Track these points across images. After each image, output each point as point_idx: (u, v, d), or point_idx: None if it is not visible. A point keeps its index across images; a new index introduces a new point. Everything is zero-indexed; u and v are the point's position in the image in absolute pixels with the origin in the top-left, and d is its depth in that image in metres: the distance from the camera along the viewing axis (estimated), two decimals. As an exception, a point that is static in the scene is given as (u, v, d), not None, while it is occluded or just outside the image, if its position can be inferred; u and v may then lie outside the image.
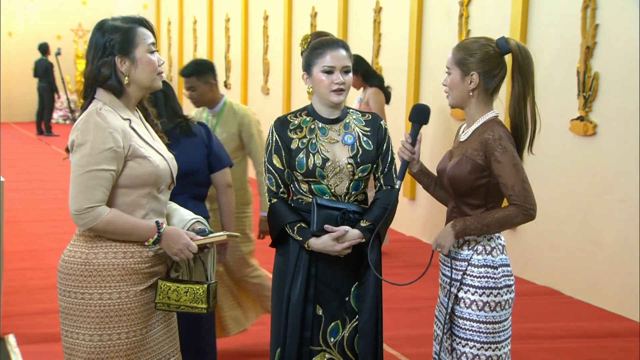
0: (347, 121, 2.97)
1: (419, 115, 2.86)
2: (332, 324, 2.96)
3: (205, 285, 2.65)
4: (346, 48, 2.93)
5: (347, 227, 2.86)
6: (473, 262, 2.72)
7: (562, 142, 5.66)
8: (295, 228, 2.89)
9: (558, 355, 4.53)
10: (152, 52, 2.63)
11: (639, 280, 5.08)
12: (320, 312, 2.96)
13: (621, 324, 5.09)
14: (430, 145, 7.07)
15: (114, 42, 2.58)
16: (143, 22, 2.66)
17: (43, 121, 15.80)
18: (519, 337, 4.46)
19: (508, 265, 2.78)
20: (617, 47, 5.27)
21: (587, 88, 5.46)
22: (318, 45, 2.92)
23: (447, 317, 2.75)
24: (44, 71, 15.52)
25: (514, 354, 2.98)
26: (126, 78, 2.60)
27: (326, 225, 2.84)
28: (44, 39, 16.74)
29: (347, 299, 2.98)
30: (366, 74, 6.63)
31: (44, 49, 15.68)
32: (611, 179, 5.35)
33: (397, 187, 2.83)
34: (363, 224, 2.89)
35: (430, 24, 7.19)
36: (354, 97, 6.84)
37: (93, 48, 2.62)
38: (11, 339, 4.53)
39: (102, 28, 2.62)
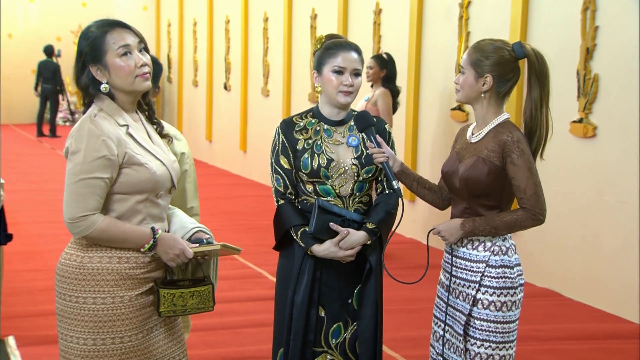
0: (352, 124, 2.98)
1: (363, 121, 2.91)
2: (334, 325, 2.97)
3: (210, 285, 2.67)
4: (359, 52, 2.95)
5: (350, 229, 2.86)
6: (491, 263, 2.73)
7: (562, 144, 5.66)
8: (299, 233, 2.90)
9: (558, 357, 4.54)
10: (123, 55, 2.56)
11: (639, 282, 5.08)
12: (322, 314, 2.96)
13: (621, 325, 5.09)
14: (431, 146, 7.07)
15: (85, 50, 2.57)
16: (116, 25, 2.59)
17: (47, 123, 15.76)
18: (518, 339, 4.43)
19: (520, 264, 2.81)
20: (617, 48, 5.27)
21: (587, 90, 5.46)
22: (331, 45, 2.94)
23: (465, 319, 2.76)
24: (51, 73, 15.47)
25: (514, 356, 2.99)
26: (105, 86, 2.57)
27: (331, 224, 2.84)
28: (44, 40, 16.72)
29: (349, 301, 2.98)
30: (390, 75, 6.67)
31: (49, 51, 15.61)
32: (611, 180, 5.35)
33: (396, 186, 2.84)
34: (369, 226, 2.89)
35: (430, 26, 7.19)
36: (363, 94, 6.83)
37: (75, 55, 2.63)
38: (11, 341, 4.53)
39: (81, 35, 2.62)
